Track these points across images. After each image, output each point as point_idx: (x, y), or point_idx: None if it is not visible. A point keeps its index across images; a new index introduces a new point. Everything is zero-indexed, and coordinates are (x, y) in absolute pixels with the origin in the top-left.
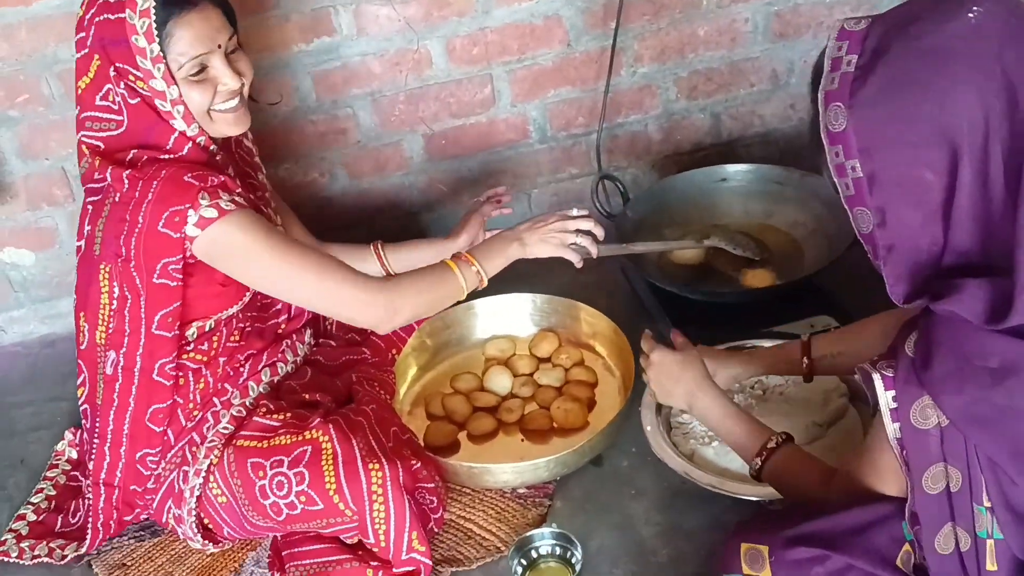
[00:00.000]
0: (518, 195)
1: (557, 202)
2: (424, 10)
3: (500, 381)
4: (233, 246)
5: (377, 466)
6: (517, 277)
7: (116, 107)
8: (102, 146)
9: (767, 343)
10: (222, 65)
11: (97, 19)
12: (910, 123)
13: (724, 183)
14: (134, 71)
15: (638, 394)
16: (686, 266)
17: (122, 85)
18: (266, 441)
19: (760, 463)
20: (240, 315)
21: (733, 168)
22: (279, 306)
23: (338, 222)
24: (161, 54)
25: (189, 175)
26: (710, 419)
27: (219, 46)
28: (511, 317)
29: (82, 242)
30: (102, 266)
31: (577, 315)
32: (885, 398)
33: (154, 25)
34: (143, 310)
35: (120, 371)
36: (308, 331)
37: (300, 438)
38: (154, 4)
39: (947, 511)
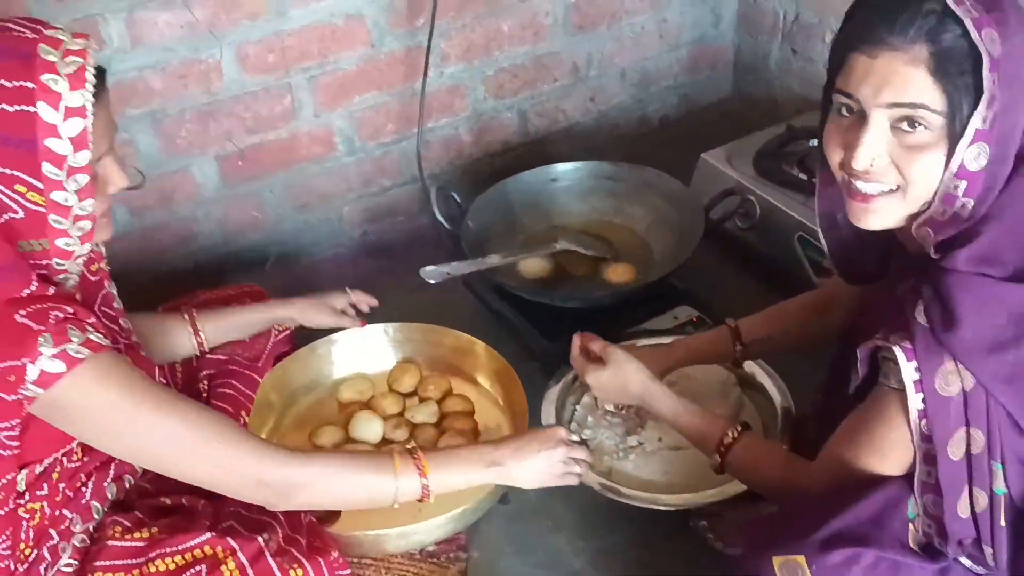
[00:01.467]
0: (328, 214)
1: (370, 217)
2: (211, 14)
3: (369, 428)
4: (82, 410)
5: (300, 571)
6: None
7: None
8: None
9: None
10: (112, 162)
11: None
12: None
13: (556, 183)
14: (32, 180)
15: (531, 413)
16: (536, 280)
17: None
18: (137, 571)
19: (719, 459)
20: None
21: (563, 167)
22: None
23: (118, 271)
24: (94, 160)
25: (21, 313)
26: (664, 418)
27: (113, 139)
28: (362, 353)
29: None
30: None
31: (434, 339)
32: (908, 370)
33: (90, 129)
34: None
35: None
36: None
37: (188, 558)
38: (92, 102)
39: (966, 473)
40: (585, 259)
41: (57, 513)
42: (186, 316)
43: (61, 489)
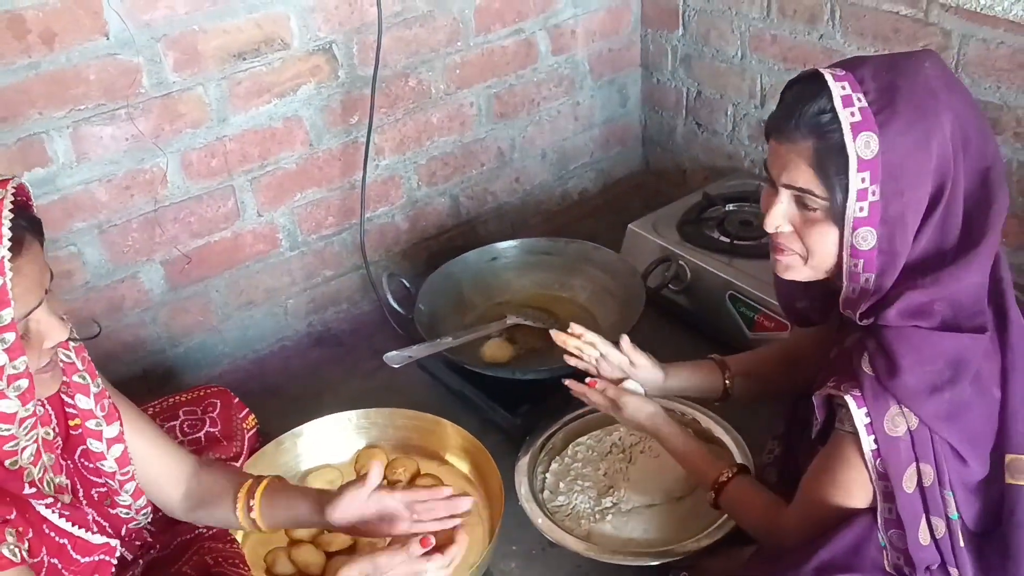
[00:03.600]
0: (273, 308)
1: (314, 308)
2: (154, 125)
3: None
4: None
5: None
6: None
7: None
8: None
9: None
10: (47, 316)
11: None
12: (926, 150)
13: (496, 261)
14: None
15: (505, 487)
16: (499, 363)
17: None
18: None
19: (714, 495)
20: None
21: (501, 246)
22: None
23: None
24: (22, 316)
25: None
26: (669, 449)
27: (45, 291)
28: (327, 443)
29: None
30: None
31: (398, 422)
32: (859, 416)
33: (9, 284)
34: None
35: None
36: (154, 549)
37: None
38: (8, 257)
39: (921, 505)
40: (534, 331)
41: None
42: (248, 496)
43: None
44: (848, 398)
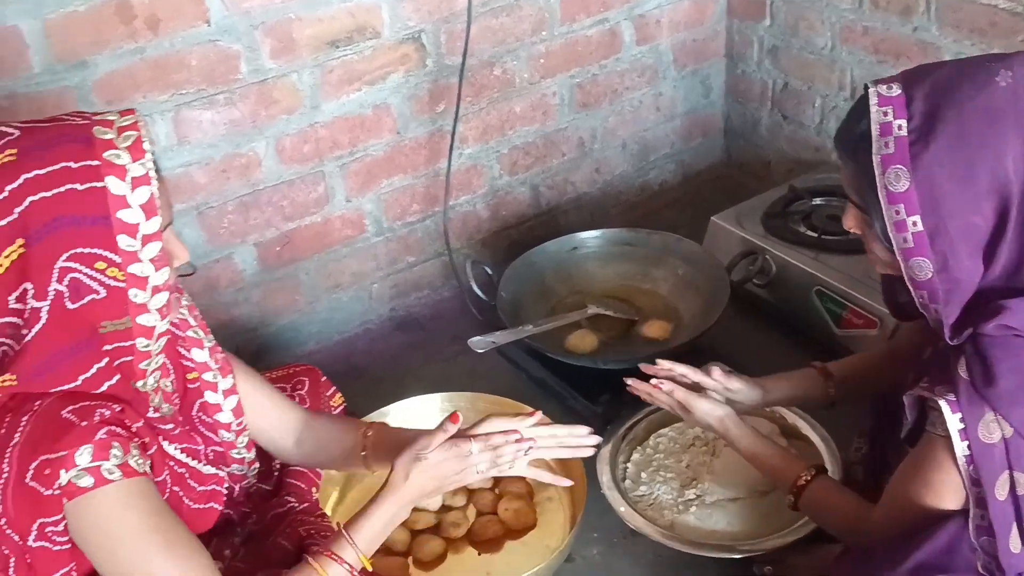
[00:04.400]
0: (358, 292)
1: (397, 293)
2: (251, 110)
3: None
4: (98, 528)
5: None
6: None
7: (33, 311)
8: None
9: None
10: (173, 236)
11: (36, 195)
12: (971, 179)
13: (577, 251)
14: (110, 255)
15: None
16: (584, 353)
17: (65, 281)
18: None
19: (793, 499)
20: None
21: (582, 236)
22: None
23: None
24: (162, 227)
25: (67, 410)
26: (742, 452)
27: (170, 213)
28: (412, 424)
29: None
30: None
31: (482, 407)
32: (953, 421)
33: (156, 195)
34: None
35: None
36: (252, 517)
37: None
38: (153, 169)
39: (1013, 513)
40: (615, 322)
41: None
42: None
43: None
44: (942, 402)
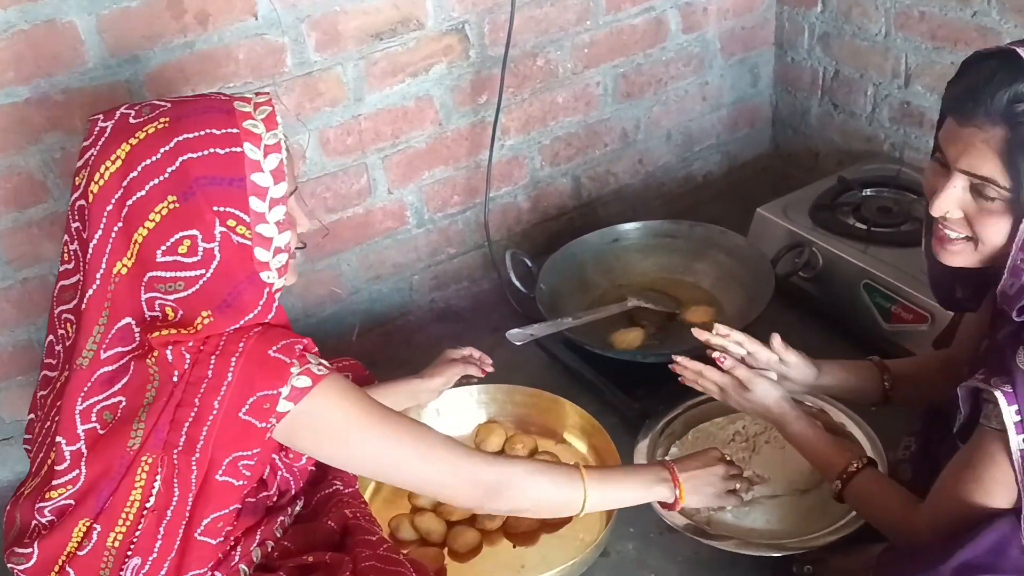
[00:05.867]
0: (399, 283)
1: (437, 284)
2: (296, 102)
3: None
4: (326, 421)
5: None
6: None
7: (194, 261)
8: (158, 314)
9: None
10: (296, 204)
11: (185, 156)
12: None
13: (618, 243)
14: (242, 215)
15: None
16: (629, 349)
17: (217, 232)
18: None
19: (840, 486)
20: None
21: (624, 227)
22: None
23: None
24: (287, 194)
25: (274, 349)
26: (793, 440)
27: (295, 183)
28: (449, 416)
29: (85, 430)
30: (143, 459)
31: (517, 399)
32: (1009, 413)
33: (286, 163)
34: (189, 510)
35: None
36: (300, 500)
37: None
38: (285, 139)
39: None
40: (656, 314)
41: (211, 574)
42: None
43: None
44: (998, 393)
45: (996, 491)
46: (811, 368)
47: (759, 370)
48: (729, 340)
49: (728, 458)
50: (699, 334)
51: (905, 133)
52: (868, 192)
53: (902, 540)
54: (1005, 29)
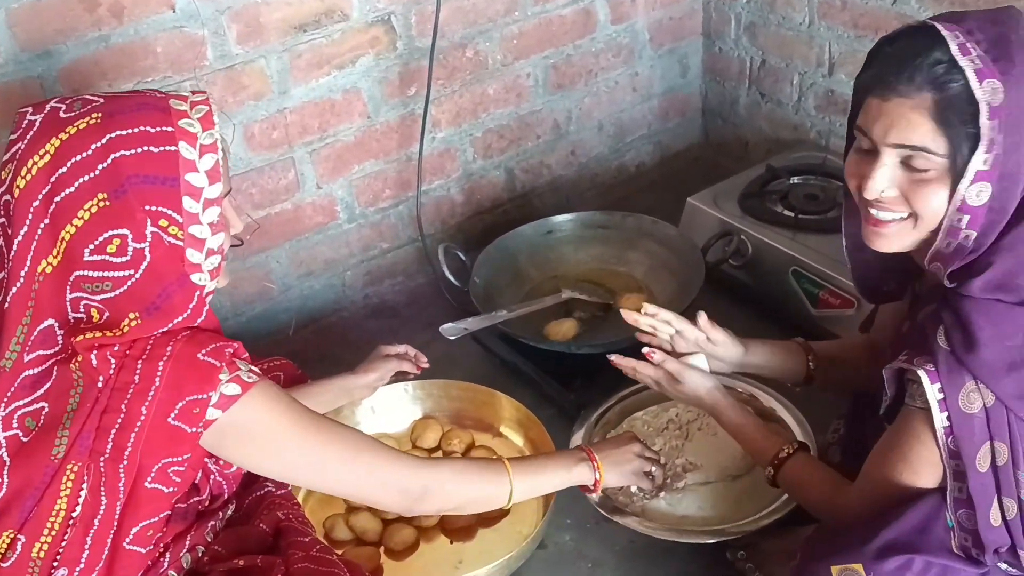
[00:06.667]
0: (331, 279)
1: (371, 280)
2: (218, 96)
3: None
4: (253, 430)
5: None
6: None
7: (123, 261)
8: (83, 316)
9: None
10: (230, 206)
11: (118, 153)
12: None
13: (552, 235)
14: (174, 215)
15: None
16: (564, 340)
17: (148, 232)
18: None
19: (773, 471)
20: None
21: (557, 219)
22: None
23: None
24: (222, 195)
25: (203, 352)
26: (727, 427)
27: (230, 185)
28: (384, 413)
29: (6, 437)
30: (68, 467)
31: (453, 393)
32: (932, 391)
33: (221, 163)
34: (117, 519)
35: None
36: (232, 504)
37: None
38: (220, 139)
39: (994, 485)
40: (590, 306)
41: None
42: None
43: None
44: (921, 372)
45: (923, 470)
46: (738, 346)
47: (688, 356)
48: (658, 319)
49: (643, 441)
50: (627, 315)
51: (830, 121)
52: (795, 180)
53: (833, 520)
54: (924, 16)
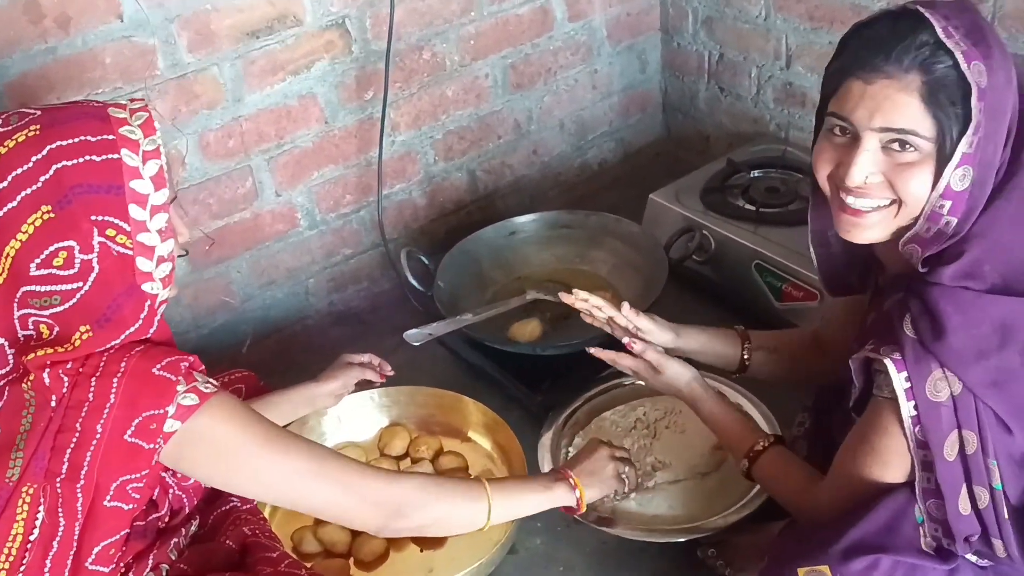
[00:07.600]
0: (295, 288)
1: (335, 287)
2: (171, 106)
3: None
4: (213, 441)
5: None
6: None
7: (71, 274)
8: (32, 333)
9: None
10: (175, 213)
11: (59, 164)
12: (1010, 87)
13: (515, 236)
14: (121, 223)
15: (528, 464)
16: (528, 342)
17: (95, 243)
18: None
19: (747, 464)
20: None
21: (520, 220)
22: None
23: None
24: (168, 201)
25: (158, 367)
26: (704, 418)
27: (175, 192)
28: (350, 421)
29: None
30: (24, 489)
31: (419, 400)
32: (899, 380)
33: (165, 169)
34: (76, 539)
35: None
36: (195, 520)
37: None
38: (162, 144)
39: (962, 473)
40: (555, 307)
41: None
42: None
43: None
44: (887, 361)
45: (893, 462)
46: (668, 332)
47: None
48: (589, 304)
49: (608, 442)
50: (565, 298)
51: (789, 113)
52: (756, 173)
53: (806, 517)
54: (878, 8)
